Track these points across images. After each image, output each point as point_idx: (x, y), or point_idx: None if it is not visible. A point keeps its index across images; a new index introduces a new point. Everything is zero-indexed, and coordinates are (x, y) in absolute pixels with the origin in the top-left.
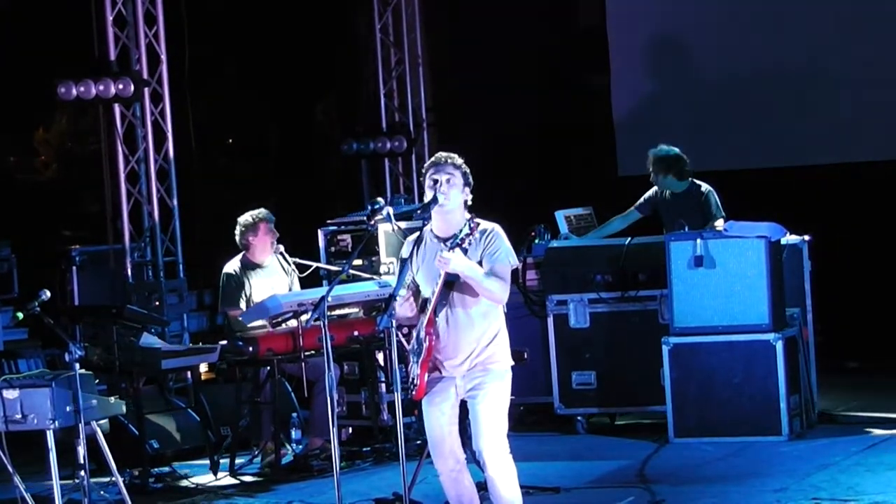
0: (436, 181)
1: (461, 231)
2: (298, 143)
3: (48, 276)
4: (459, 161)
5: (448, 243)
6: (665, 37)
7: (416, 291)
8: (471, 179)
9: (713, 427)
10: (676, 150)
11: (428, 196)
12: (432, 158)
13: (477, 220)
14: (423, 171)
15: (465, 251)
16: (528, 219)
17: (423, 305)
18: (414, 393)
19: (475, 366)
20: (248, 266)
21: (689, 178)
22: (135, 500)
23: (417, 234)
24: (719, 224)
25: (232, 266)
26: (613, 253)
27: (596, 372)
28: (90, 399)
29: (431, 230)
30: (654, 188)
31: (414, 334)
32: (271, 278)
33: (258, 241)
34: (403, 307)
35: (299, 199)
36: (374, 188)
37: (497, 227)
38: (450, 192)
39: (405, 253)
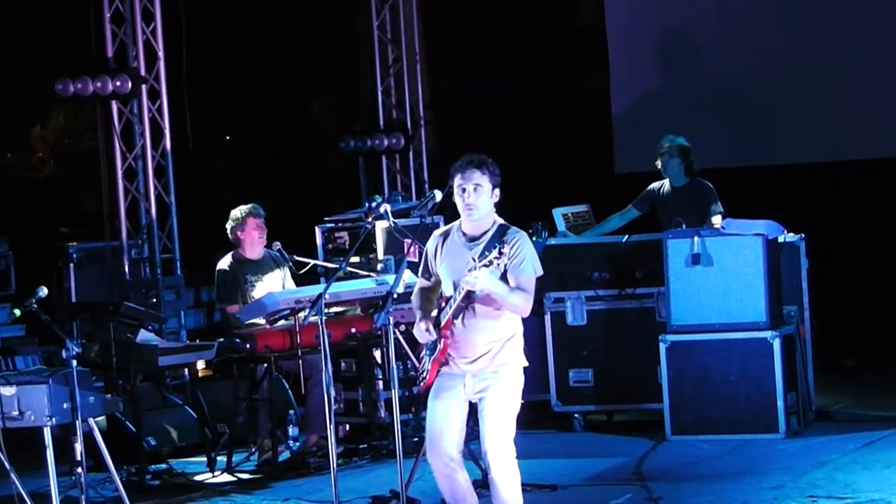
0: (464, 190)
1: (490, 252)
2: (296, 141)
3: (45, 273)
4: (486, 162)
5: (476, 260)
6: (664, 35)
7: (437, 283)
8: (499, 178)
9: (710, 425)
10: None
11: (457, 203)
12: (462, 159)
13: (504, 224)
14: (452, 170)
15: (489, 267)
16: (526, 216)
17: (444, 302)
18: (421, 385)
19: (486, 368)
20: (241, 261)
21: (692, 176)
22: (132, 497)
23: (446, 227)
24: (717, 220)
25: (225, 262)
26: (611, 250)
27: (593, 369)
28: (87, 396)
29: (459, 226)
30: (652, 185)
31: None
32: (264, 273)
33: (246, 235)
34: (425, 335)
35: (297, 196)
36: (371, 186)
37: (523, 235)
38: (478, 202)
39: (430, 246)
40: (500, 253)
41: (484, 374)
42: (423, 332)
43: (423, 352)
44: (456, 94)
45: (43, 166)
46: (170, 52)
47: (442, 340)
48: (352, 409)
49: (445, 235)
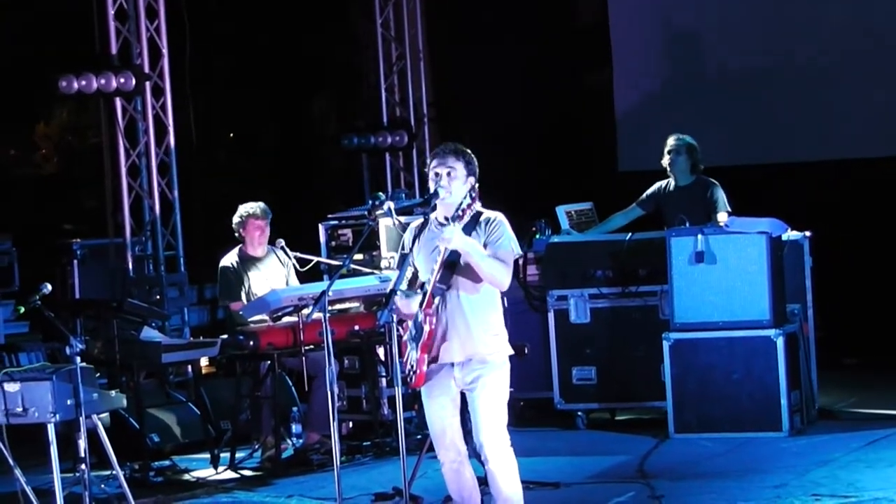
0: (437, 174)
1: (460, 205)
2: (299, 138)
3: (49, 270)
4: (463, 150)
5: (449, 220)
6: (667, 33)
7: (414, 278)
8: (475, 168)
9: (713, 423)
10: None
11: (431, 189)
12: (436, 149)
13: (481, 211)
14: (427, 161)
15: (460, 218)
16: (529, 214)
17: (420, 287)
18: (413, 381)
19: (473, 357)
20: (245, 258)
21: (698, 174)
22: (135, 494)
23: (422, 220)
24: (722, 217)
25: (229, 259)
26: (614, 248)
27: (596, 367)
28: (91, 393)
29: (436, 217)
30: (657, 185)
31: (410, 321)
32: (268, 270)
33: (247, 234)
34: (407, 303)
35: (300, 193)
36: (374, 183)
37: (500, 216)
38: (451, 186)
39: (407, 238)
40: (472, 199)
41: (472, 364)
42: (405, 302)
43: (407, 349)
44: (459, 91)
45: (46, 163)
46: (173, 50)
47: (427, 319)
48: (355, 406)
49: (421, 227)
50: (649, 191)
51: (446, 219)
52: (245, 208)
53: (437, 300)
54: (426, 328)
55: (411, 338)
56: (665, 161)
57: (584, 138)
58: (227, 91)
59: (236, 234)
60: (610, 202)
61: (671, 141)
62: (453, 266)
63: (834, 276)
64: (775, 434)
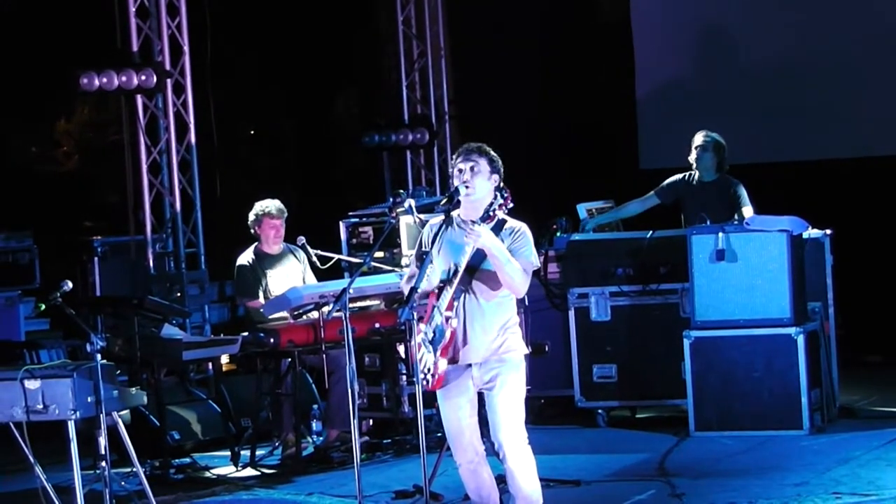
0: (460, 171)
1: (491, 205)
2: (320, 135)
3: (70, 267)
4: (486, 149)
5: (475, 222)
6: (689, 29)
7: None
8: (500, 166)
9: (734, 421)
10: None
11: (454, 186)
12: (459, 149)
13: (505, 218)
14: (451, 161)
15: (490, 219)
16: (550, 211)
17: (439, 290)
18: (431, 384)
19: (490, 356)
20: (261, 256)
21: (722, 172)
22: (156, 491)
23: (444, 216)
24: (748, 211)
25: (245, 257)
26: (635, 246)
27: (617, 365)
28: (111, 390)
29: (459, 215)
30: (679, 176)
31: (426, 324)
32: (284, 267)
33: (262, 232)
34: (429, 283)
35: (321, 190)
36: (395, 181)
37: (525, 227)
38: (474, 182)
39: (426, 236)
40: (500, 205)
41: (489, 363)
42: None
43: (421, 350)
44: (480, 89)
45: (67, 160)
46: (194, 47)
47: (447, 321)
48: (375, 403)
49: (445, 224)
50: (670, 180)
51: (473, 221)
52: (260, 206)
53: (456, 303)
54: (447, 331)
55: (426, 340)
56: (691, 157)
57: (605, 135)
58: (248, 88)
59: (252, 231)
60: (631, 199)
61: (699, 137)
62: (473, 270)
63: (855, 273)
64: (796, 432)
